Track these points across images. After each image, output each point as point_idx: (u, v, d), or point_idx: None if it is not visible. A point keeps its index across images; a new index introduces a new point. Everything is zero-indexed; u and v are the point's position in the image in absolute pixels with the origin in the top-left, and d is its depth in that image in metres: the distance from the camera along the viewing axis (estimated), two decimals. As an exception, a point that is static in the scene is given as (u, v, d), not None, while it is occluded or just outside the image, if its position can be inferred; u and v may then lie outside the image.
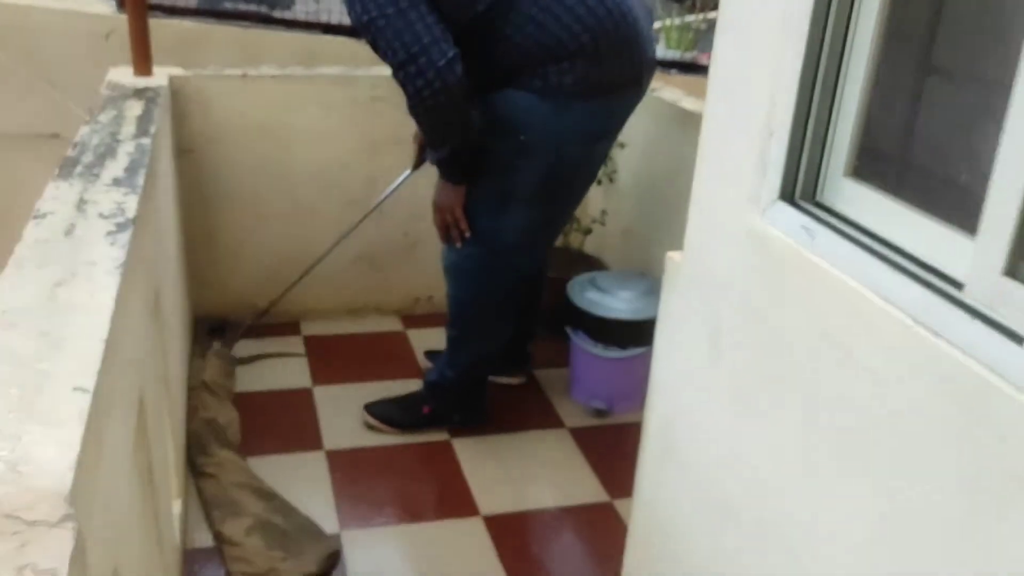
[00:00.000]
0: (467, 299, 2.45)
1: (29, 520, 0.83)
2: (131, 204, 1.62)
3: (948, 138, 1.15)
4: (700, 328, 1.51)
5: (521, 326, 2.69)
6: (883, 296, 1.09)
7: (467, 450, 2.55)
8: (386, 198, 2.77)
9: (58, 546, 0.81)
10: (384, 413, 2.60)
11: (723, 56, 1.43)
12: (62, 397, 1.01)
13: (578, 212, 3.11)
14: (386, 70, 2.14)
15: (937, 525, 1.01)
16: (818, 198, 1.30)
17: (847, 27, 1.22)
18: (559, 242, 3.11)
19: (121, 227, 1.51)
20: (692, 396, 1.56)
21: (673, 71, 3.59)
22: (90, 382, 1.05)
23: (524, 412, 2.75)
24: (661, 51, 4.48)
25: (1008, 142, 0.95)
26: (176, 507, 2.07)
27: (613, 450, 2.58)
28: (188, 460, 2.31)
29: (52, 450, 0.92)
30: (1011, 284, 0.96)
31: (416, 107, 2.10)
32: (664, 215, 2.86)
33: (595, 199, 3.22)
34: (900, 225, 1.15)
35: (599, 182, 3.05)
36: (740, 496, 1.41)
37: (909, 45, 1.20)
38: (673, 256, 1.60)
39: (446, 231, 2.35)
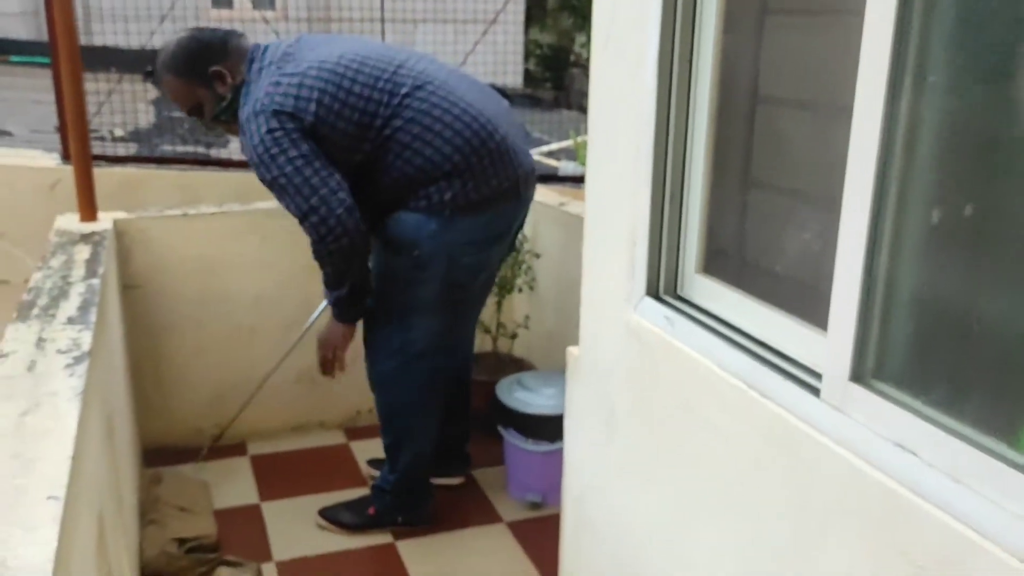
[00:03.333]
0: (396, 404, 2.66)
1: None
2: (86, 339, 1.81)
3: (766, 238, 1.43)
4: (598, 411, 1.73)
5: (456, 429, 2.89)
6: (724, 368, 1.33)
7: (411, 551, 2.68)
8: (312, 324, 2.92)
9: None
10: (334, 515, 2.76)
11: (594, 183, 1.71)
12: (38, 505, 1.18)
13: (503, 318, 3.36)
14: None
15: (775, 552, 1.23)
16: (679, 292, 1.56)
17: (684, 155, 1.51)
18: (488, 347, 3.34)
19: (78, 360, 1.69)
20: (596, 472, 1.77)
21: (582, 186, 3.89)
22: (61, 492, 1.22)
23: (464, 511, 2.90)
24: (573, 168, 4.85)
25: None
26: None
27: (549, 539, 2.71)
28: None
29: (33, 548, 1.09)
30: (818, 351, 1.21)
31: (321, 252, 2.36)
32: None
33: (519, 306, 3.47)
34: (738, 309, 1.41)
35: (520, 290, 3.32)
36: (636, 556, 1.61)
37: (733, 165, 1.49)
38: (572, 351, 1.84)
39: (326, 365, 2.61)
